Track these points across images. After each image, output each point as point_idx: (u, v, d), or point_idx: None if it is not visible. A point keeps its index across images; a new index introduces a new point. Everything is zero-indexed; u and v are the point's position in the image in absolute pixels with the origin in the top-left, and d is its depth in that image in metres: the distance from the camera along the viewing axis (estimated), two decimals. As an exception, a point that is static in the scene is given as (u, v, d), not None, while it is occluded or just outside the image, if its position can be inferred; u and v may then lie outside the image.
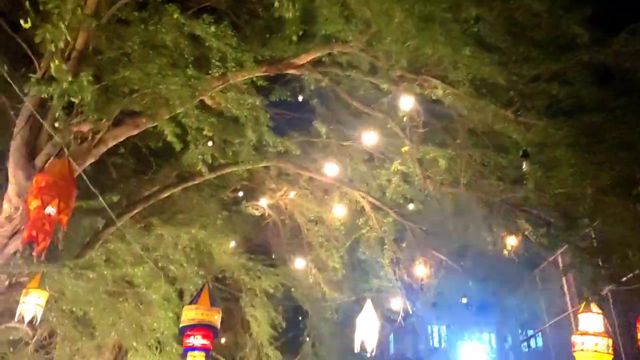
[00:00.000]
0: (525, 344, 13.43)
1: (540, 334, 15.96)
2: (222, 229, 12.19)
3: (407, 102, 6.95)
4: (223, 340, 15.83)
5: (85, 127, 6.09)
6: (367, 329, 6.39)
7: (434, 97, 6.75)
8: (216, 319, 5.79)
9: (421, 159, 7.76)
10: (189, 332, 5.73)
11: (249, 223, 14.03)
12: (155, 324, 9.41)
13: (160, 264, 10.12)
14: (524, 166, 6.25)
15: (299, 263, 11.92)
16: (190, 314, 5.70)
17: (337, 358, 14.74)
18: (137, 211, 10.31)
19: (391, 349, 28.63)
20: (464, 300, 10.94)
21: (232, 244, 12.56)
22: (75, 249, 9.50)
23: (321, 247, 11.90)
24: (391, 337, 28.37)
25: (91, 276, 8.66)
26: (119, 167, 12.28)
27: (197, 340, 5.61)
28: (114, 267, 8.56)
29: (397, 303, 11.00)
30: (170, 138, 7.31)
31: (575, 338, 5.25)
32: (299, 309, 15.07)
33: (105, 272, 8.51)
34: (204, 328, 5.69)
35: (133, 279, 9.27)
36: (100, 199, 6.80)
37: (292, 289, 13.91)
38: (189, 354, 5.64)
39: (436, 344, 27.31)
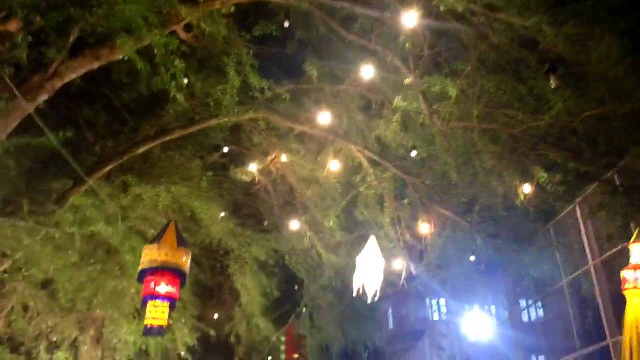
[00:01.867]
0: (536, 308, 12.58)
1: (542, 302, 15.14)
2: (207, 194, 11.21)
3: (410, 20, 5.89)
4: (216, 316, 14.94)
5: (12, 25, 5.01)
6: (369, 270, 5.42)
7: (442, 8, 5.68)
8: (184, 261, 4.66)
9: (426, 92, 6.72)
10: (149, 277, 4.60)
11: (238, 190, 13.07)
12: (132, 289, 8.42)
13: (138, 227, 9.13)
14: (551, 83, 5.24)
15: (293, 224, 10.91)
16: (151, 255, 4.55)
17: (337, 328, 13.83)
18: (112, 167, 9.29)
19: (390, 324, 27.91)
20: (472, 259, 9.98)
21: (222, 214, 11.59)
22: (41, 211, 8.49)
23: (316, 208, 10.91)
24: (390, 311, 27.63)
25: (57, 236, 7.64)
26: (94, 127, 11.25)
27: (160, 287, 4.55)
28: (83, 223, 7.52)
29: (398, 265, 10.03)
30: (132, 56, 6.21)
31: (626, 274, 4.30)
32: (294, 278, 14.12)
33: (73, 231, 7.47)
34: (169, 272, 4.57)
35: (105, 238, 8.27)
36: (51, 136, 5.73)
37: (286, 257, 12.97)
38: (150, 303, 4.51)
39: (436, 317, 26.59)
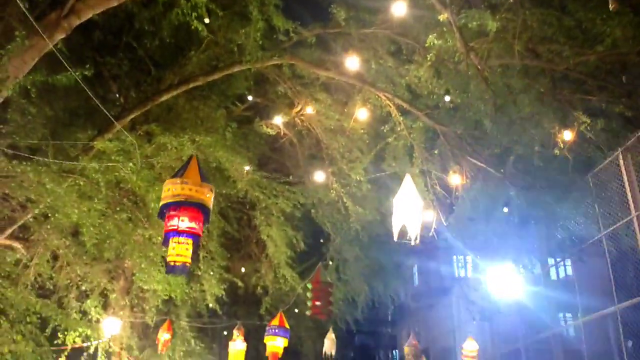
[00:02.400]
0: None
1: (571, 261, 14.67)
2: (232, 145, 10.99)
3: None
4: (243, 269, 14.94)
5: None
6: (407, 210, 5.08)
7: None
8: (208, 197, 4.35)
9: (463, 28, 6.20)
10: (172, 213, 4.25)
11: (263, 143, 12.82)
12: (159, 238, 8.28)
13: (163, 177, 8.96)
14: (610, 5, 4.71)
15: (319, 176, 10.61)
16: (174, 189, 4.20)
17: (363, 281, 13.69)
18: (136, 117, 9.10)
19: (415, 280, 27.83)
20: (505, 210, 9.57)
21: (247, 168, 11.35)
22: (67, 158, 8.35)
23: (343, 159, 10.56)
24: (415, 268, 27.50)
25: (82, 183, 7.50)
26: (118, 79, 11.05)
27: (183, 222, 4.21)
28: (108, 170, 7.34)
29: (428, 217, 9.70)
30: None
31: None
32: (320, 232, 13.93)
33: (97, 177, 7.30)
34: (193, 208, 4.22)
35: (131, 188, 8.12)
36: (74, 74, 5.46)
37: (312, 211, 12.75)
38: (172, 239, 4.19)
39: (462, 274, 26.38)
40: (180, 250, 4.17)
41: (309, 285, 8.12)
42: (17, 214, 7.94)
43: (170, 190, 4.25)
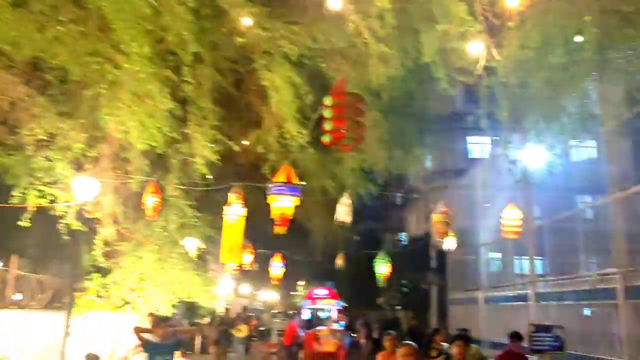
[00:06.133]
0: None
1: None
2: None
3: None
4: (247, 142, 12.81)
5: None
6: None
7: None
8: None
9: None
10: None
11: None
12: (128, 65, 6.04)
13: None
14: None
15: (333, 2, 8.07)
16: None
17: (383, 148, 11.65)
18: None
19: (426, 162, 25.86)
20: (579, 40, 7.11)
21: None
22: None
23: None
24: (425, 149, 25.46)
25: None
26: None
27: None
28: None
29: (474, 48, 7.39)
30: None
31: None
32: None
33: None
34: None
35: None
36: None
37: (323, 65, 10.33)
38: None
39: (476, 154, 24.44)
40: None
41: (328, 101, 5.83)
42: None
43: None
